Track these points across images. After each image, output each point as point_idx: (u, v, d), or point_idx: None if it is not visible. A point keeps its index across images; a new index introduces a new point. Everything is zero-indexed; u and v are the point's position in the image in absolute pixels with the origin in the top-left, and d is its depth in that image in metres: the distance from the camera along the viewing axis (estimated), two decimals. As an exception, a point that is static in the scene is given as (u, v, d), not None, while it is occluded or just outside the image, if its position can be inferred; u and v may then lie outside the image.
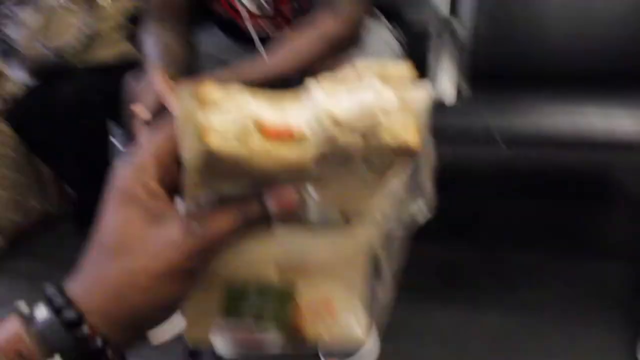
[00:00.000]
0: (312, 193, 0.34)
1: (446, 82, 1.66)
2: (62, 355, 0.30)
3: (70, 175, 1.84)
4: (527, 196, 1.89)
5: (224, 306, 0.38)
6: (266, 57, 1.18)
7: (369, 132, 0.32)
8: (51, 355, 0.30)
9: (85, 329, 0.31)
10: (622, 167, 1.94)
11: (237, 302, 0.38)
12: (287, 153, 0.32)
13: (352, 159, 0.33)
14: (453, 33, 1.67)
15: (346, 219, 0.37)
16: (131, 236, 0.32)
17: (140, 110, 1.06)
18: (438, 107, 1.62)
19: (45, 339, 0.31)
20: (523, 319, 1.39)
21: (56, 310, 0.32)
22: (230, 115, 0.31)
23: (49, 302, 0.32)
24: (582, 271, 1.54)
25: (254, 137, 0.31)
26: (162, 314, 0.33)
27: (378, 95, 0.32)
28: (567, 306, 1.42)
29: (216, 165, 0.31)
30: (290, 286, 0.38)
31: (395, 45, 1.39)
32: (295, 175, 0.33)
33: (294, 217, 0.34)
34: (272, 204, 0.33)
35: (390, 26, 1.41)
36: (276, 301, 0.38)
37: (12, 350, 0.30)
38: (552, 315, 1.39)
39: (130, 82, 1.30)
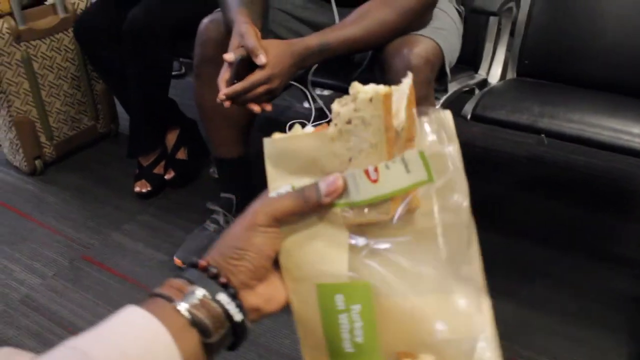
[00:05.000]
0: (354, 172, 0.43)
1: (495, 62, 1.67)
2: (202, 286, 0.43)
3: (127, 98, 1.88)
4: (553, 192, 1.89)
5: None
6: (343, 20, 1.22)
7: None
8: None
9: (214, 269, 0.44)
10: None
11: None
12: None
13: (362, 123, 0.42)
14: (510, 16, 1.66)
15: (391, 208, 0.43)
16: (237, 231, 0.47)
17: (227, 54, 1.13)
18: (481, 84, 1.64)
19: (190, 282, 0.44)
20: (537, 312, 1.40)
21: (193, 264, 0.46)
22: None
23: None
24: (598, 272, 1.55)
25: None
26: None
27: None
28: (581, 304, 1.43)
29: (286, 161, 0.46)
30: None
31: (457, 20, 1.41)
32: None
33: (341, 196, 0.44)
34: (323, 188, 0.43)
35: (454, 1, 1.43)
36: None
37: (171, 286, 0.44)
38: (565, 312, 1.40)
39: (205, 24, 1.36)
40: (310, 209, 0.44)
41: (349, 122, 0.43)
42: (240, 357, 1.31)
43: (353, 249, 0.44)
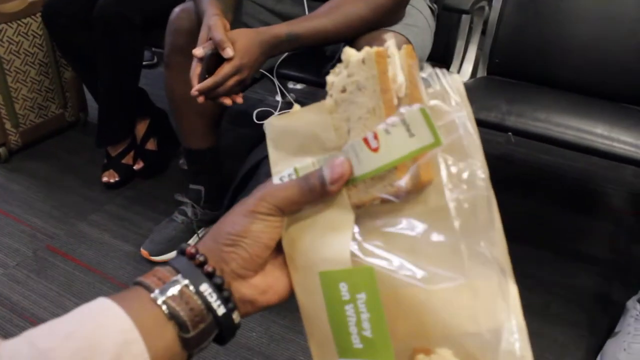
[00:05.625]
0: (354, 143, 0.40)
1: (466, 60, 1.68)
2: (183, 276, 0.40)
3: (96, 86, 1.85)
4: (520, 189, 1.92)
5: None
6: (314, 11, 1.22)
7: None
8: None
9: (202, 256, 0.41)
10: (615, 179, 1.98)
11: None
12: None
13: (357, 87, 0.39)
14: (482, 15, 1.68)
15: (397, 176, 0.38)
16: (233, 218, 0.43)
17: (196, 49, 1.12)
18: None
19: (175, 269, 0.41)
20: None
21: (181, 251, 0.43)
22: None
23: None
24: (562, 268, 1.59)
25: None
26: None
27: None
28: (545, 299, 1.47)
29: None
30: None
31: (430, 17, 1.42)
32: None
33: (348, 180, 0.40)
34: (327, 174, 0.40)
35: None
36: None
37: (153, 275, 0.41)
38: (529, 306, 1.42)
39: (176, 13, 1.35)
40: (316, 198, 0.41)
41: (343, 90, 0.40)
42: (206, 350, 1.30)
43: (360, 231, 0.41)
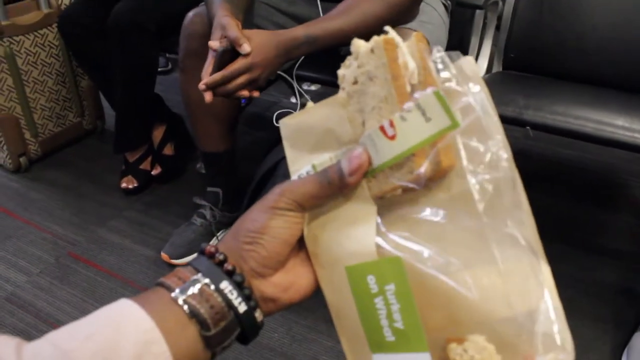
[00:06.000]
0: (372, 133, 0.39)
1: (481, 55, 1.67)
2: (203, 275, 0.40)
3: (112, 94, 1.86)
4: (540, 184, 1.90)
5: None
6: (330, 12, 1.22)
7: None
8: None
9: (222, 255, 0.41)
10: (637, 172, 1.95)
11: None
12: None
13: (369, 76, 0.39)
14: (496, 10, 1.67)
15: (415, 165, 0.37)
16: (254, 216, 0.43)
17: (212, 41, 1.12)
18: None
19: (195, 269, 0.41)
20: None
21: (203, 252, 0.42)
22: None
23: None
24: (585, 263, 1.57)
25: None
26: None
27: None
28: (568, 294, 1.43)
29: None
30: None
31: (444, 14, 1.42)
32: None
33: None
34: (345, 166, 0.40)
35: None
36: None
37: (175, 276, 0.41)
38: None
39: (190, 17, 1.36)
40: (335, 191, 0.41)
41: (355, 82, 0.40)
42: (229, 351, 1.30)
43: (383, 222, 0.40)
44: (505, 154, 0.37)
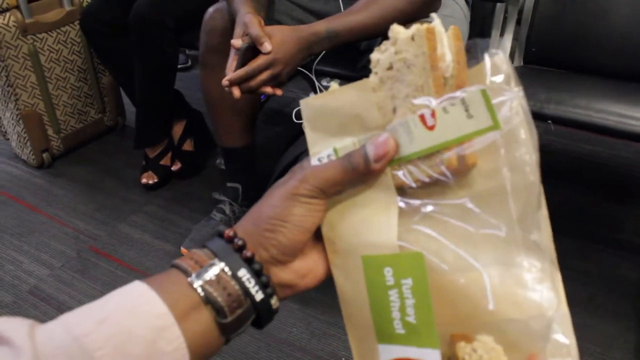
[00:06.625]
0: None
1: (502, 49, 1.66)
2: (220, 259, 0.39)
3: (133, 90, 1.88)
4: (560, 180, 1.88)
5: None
6: (351, 7, 1.22)
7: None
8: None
9: (240, 240, 0.40)
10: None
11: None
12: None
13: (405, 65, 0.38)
14: (517, 3, 1.65)
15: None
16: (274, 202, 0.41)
17: (234, 40, 1.13)
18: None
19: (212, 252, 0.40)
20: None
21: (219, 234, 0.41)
22: None
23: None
24: (605, 259, 1.55)
25: None
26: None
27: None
28: (589, 291, 1.44)
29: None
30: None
31: (465, 7, 1.41)
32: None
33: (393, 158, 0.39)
34: (371, 152, 0.39)
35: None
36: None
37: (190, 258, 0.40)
38: (573, 299, 1.37)
39: (210, 13, 1.37)
40: (359, 178, 0.39)
41: (390, 67, 0.39)
42: (248, 345, 1.31)
43: (404, 214, 0.39)
44: (533, 158, 0.36)
